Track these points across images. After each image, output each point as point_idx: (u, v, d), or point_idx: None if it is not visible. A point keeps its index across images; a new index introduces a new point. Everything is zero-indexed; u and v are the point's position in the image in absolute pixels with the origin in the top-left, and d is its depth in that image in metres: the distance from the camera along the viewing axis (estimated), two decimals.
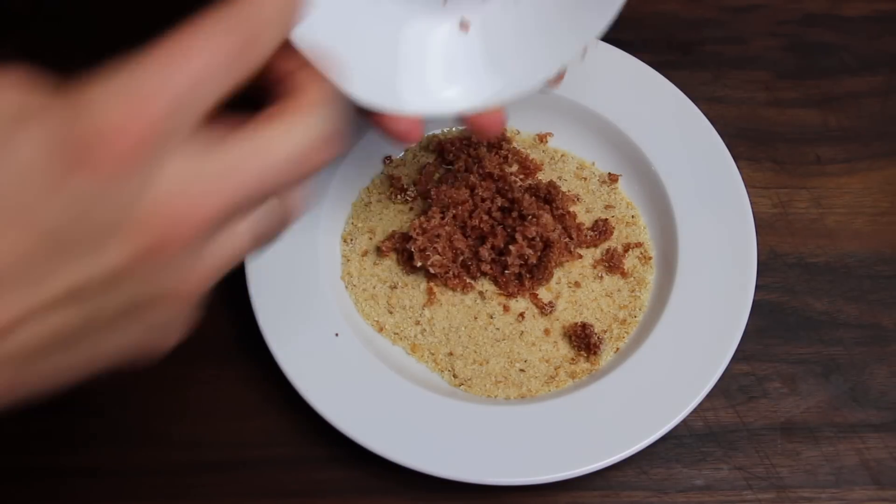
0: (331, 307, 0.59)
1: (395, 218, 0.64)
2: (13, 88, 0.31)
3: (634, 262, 0.62)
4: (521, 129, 0.68)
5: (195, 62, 0.31)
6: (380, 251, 0.62)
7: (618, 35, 0.71)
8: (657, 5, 0.76)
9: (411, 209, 0.65)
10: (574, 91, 0.66)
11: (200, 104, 0.31)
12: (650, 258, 0.63)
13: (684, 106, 0.66)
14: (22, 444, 0.57)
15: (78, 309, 0.31)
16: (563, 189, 0.64)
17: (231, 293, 0.61)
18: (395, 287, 0.61)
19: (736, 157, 0.64)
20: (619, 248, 0.63)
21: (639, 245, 0.63)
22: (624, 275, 0.62)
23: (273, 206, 0.35)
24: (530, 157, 0.66)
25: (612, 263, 0.62)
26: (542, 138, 0.67)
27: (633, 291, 0.61)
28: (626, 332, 0.60)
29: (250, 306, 0.57)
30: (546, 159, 0.66)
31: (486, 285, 0.61)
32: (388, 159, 0.66)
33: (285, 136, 0.33)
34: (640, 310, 0.61)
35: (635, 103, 0.66)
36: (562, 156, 0.67)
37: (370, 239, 0.63)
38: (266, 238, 0.36)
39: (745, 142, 0.69)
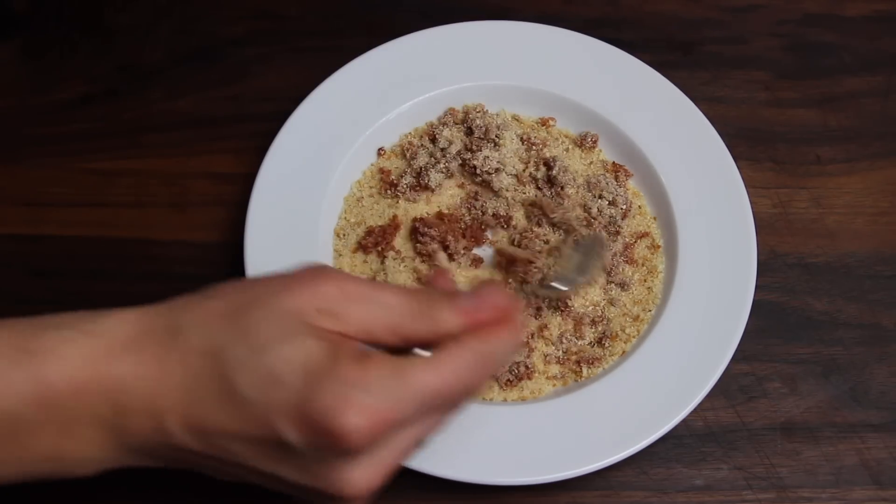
0: None
1: (385, 212, 0.64)
2: (323, 294, 0.40)
3: (644, 252, 0.62)
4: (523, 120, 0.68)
5: (429, 393, 0.39)
6: (364, 248, 0.62)
7: (618, 35, 0.71)
8: (657, 5, 0.76)
9: (400, 205, 0.64)
10: (574, 91, 0.66)
11: (417, 419, 0.40)
12: (659, 247, 0.62)
13: (684, 106, 0.66)
14: None
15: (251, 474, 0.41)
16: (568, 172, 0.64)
17: None
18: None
19: (736, 157, 0.64)
20: (630, 239, 0.62)
21: (646, 234, 0.63)
22: (633, 262, 0.61)
23: (434, 419, 0.42)
24: (532, 137, 0.65)
25: (624, 255, 0.61)
26: (544, 122, 0.67)
27: (644, 282, 0.61)
28: (637, 329, 0.59)
29: None
30: (550, 139, 0.66)
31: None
32: (381, 151, 0.66)
33: (457, 373, 0.40)
34: (653, 303, 0.60)
35: (635, 103, 0.66)
36: (565, 136, 0.67)
37: (359, 235, 0.63)
38: (423, 442, 0.42)
39: (745, 142, 0.69)
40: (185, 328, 0.40)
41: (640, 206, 0.64)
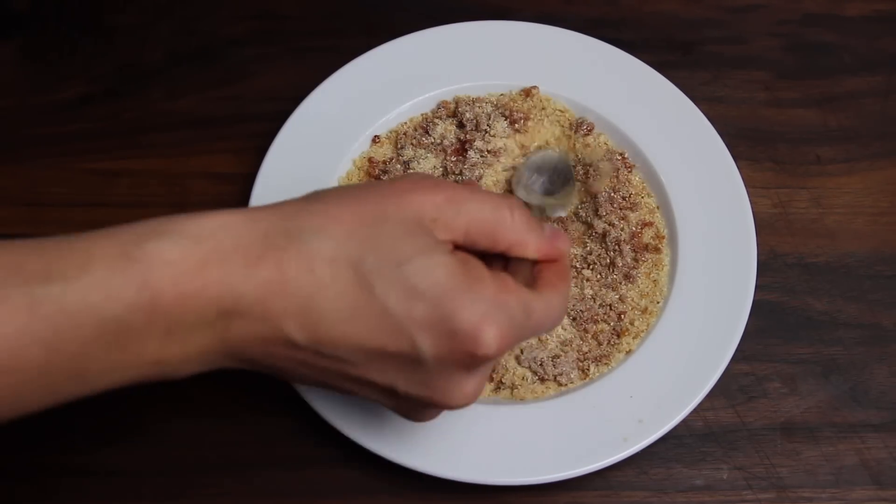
0: None
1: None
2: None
3: (650, 242, 0.62)
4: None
5: (539, 326, 0.44)
6: None
7: (618, 35, 0.71)
8: (657, 5, 0.76)
9: None
10: (574, 91, 0.66)
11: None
12: (663, 237, 0.62)
13: (684, 106, 0.66)
14: (22, 444, 0.57)
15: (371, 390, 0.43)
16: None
17: None
18: None
19: (736, 157, 0.64)
20: (636, 227, 0.62)
21: (650, 224, 0.63)
22: (642, 251, 0.61)
23: None
24: (515, 109, 0.65)
25: (632, 244, 0.61)
26: (527, 93, 0.67)
27: (649, 275, 0.61)
28: (647, 322, 0.59)
29: None
30: (535, 110, 0.66)
31: None
32: (376, 138, 0.66)
33: (559, 310, 0.45)
34: (660, 295, 0.60)
35: (635, 103, 0.66)
36: (560, 111, 0.66)
37: None
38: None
39: (745, 142, 0.68)
40: (308, 234, 0.40)
41: (642, 198, 0.64)
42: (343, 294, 0.39)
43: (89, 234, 0.40)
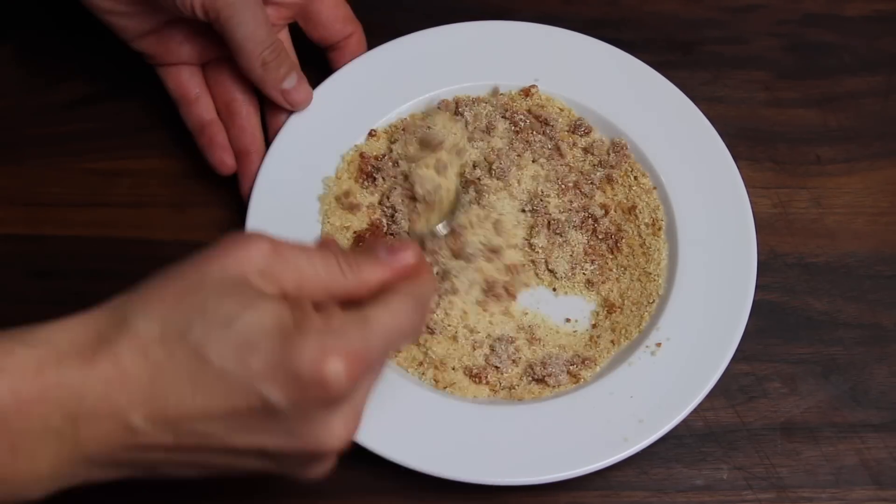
0: None
1: (366, 211, 0.63)
2: (257, 256, 0.41)
3: (645, 231, 0.62)
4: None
5: (390, 332, 0.42)
6: None
7: (618, 35, 0.71)
8: (657, 5, 0.76)
9: (380, 194, 0.64)
10: (574, 91, 0.66)
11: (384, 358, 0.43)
12: (661, 228, 0.62)
13: (684, 106, 0.66)
14: None
15: (228, 457, 0.42)
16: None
17: None
18: None
19: (736, 157, 0.63)
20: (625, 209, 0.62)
21: (651, 224, 0.62)
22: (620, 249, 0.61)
23: (384, 361, 0.45)
24: (515, 109, 0.65)
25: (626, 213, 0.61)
26: (526, 92, 0.67)
27: (645, 269, 0.61)
28: (638, 328, 0.59)
29: None
30: (534, 108, 0.66)
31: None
32: (372, 132, 0.65)
33: (406, 313, 0.43)
34: (656, 293, 0.60)
35: (635, 103, 0.66)
36: (560, 108, 0.66)
37: (349, 240, 0.62)
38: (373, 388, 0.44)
39: (745, 142, 0.68)
40: (133, 321, 0.39)
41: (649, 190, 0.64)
42: (180, 369, 0.39)
43: None
